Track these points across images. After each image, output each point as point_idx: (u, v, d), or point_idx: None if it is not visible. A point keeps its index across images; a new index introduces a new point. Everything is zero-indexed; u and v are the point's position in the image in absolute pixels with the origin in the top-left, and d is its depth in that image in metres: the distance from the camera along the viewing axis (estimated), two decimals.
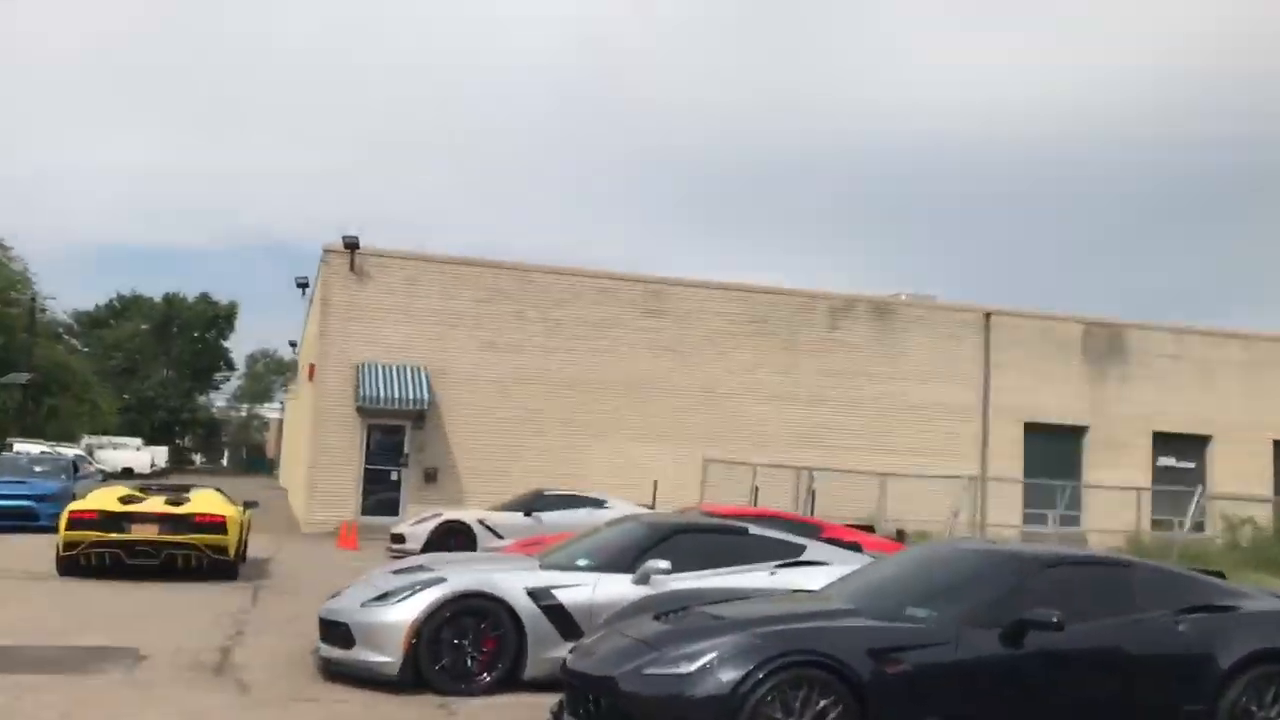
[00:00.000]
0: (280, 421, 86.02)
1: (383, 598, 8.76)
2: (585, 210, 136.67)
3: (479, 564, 9.77)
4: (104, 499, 14.97)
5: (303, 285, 32.70)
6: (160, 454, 75.15)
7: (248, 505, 16.60)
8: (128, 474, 61.40)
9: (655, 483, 24.38)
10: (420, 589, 8.63)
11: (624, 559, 9.27)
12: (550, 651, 8.55)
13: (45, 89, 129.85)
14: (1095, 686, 6.83)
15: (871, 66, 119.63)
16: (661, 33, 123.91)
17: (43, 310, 71.00)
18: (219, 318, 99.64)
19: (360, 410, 25.33)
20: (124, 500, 14.85)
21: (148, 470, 57.53)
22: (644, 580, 8.93)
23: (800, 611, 7.16)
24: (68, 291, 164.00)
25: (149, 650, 9.64)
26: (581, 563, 9.38)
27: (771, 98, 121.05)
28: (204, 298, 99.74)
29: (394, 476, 25.81)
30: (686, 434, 27.36)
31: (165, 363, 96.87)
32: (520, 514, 20.02)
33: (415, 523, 20.08)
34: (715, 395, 27.84)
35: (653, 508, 21.47)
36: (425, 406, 25.03)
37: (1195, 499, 21.33)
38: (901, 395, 29.00)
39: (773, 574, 9.50)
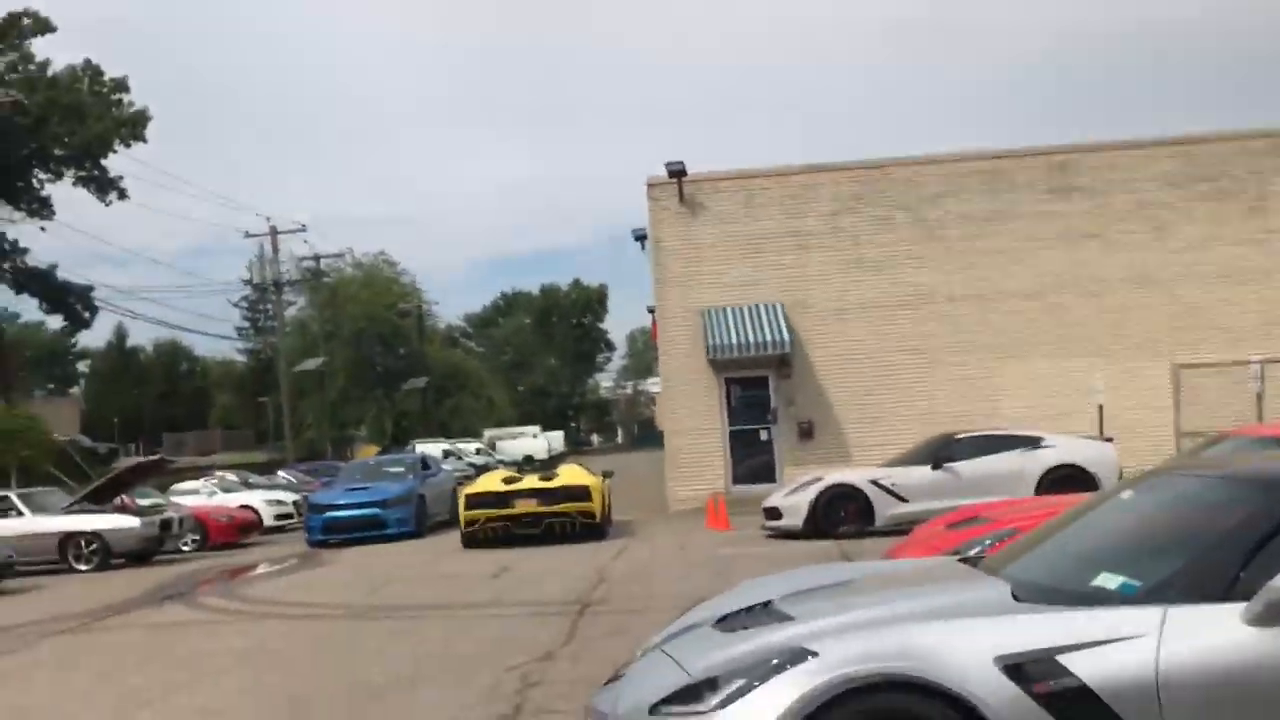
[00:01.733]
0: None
1: (694, 692, 4.16)
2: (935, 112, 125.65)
3: (875, 599, 4.73)
4: (490, 482, 18.03)
5: (641, 238, 29.32)
6: (556, 439, 76.58)
7: (606, 475, 18.68)
8: (528, 461, 62.41)
9: (1100, 406, 18.53)
10: (764, 675, 4.01)
11: (1219, 568, 4.03)
12: None
13: (410, 124, 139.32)
14: None
15: None
16: None
17: (430, 317, 74.43)
18: (592, 301, 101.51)
19: (713, 363, 21.41)
20: (506, 480, 17.71)
21: (545, 455, 57.59)
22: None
23: None
24: (460, 301, 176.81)
25: None
26: (1108, 582, 4.26)
27: None
28: (576, 284, 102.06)
29: (763, 436, 21.70)
30: (1122, 340, 21.11)
31: (550, 351, 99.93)
32: (926, 467, 15.14)
33: (791, 492, 15.76)
34: (1156, 285, 21.29)
35: (1109, 440, 15.81)
36: (787, 349, 20.66)
37: None
38: None
39: None
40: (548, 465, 18.74)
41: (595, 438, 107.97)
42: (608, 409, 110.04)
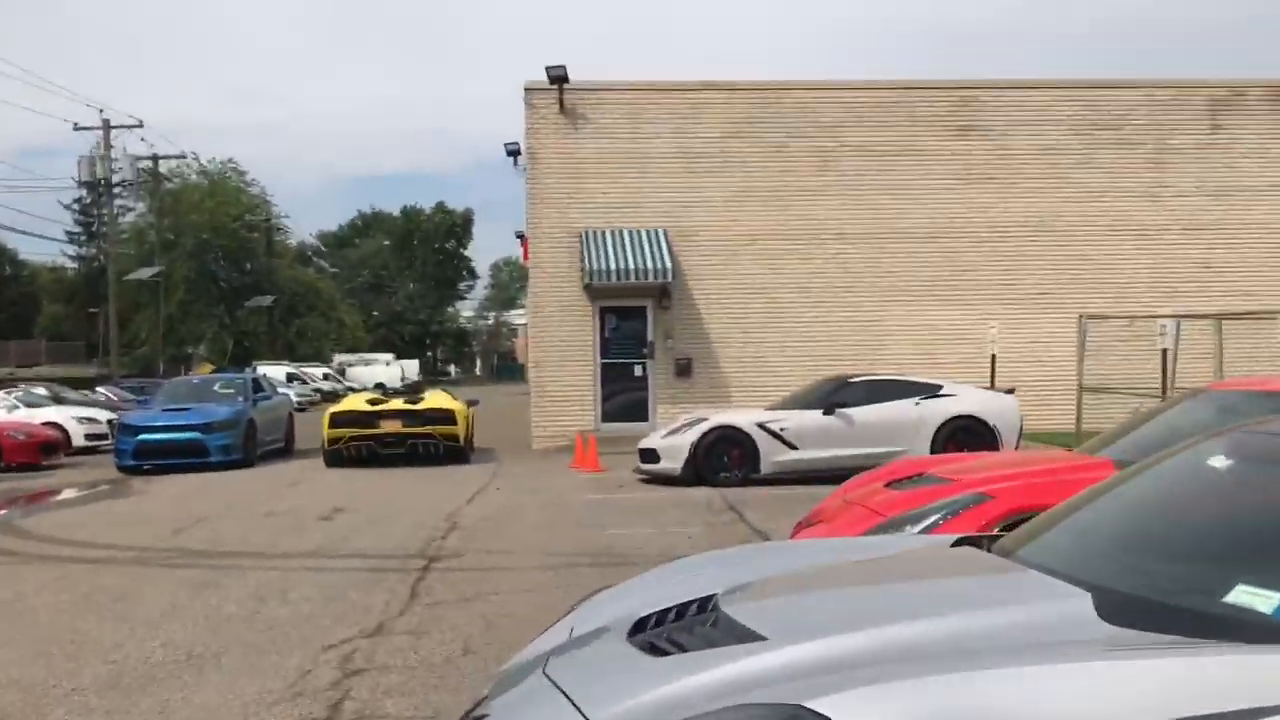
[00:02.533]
0: (525, 326, 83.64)
1: None
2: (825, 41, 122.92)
3: (883, 608, 2.92)
4: (355, 402, 18.61)
5: (514, 153, 27.17)
6: (411, 367, 73.69)
7: (470, 403, 19.10)
8: (379, 389, 59.59)
9: (993, 356, 17.57)
10: None
11: None
12: None
13: (278, 42, 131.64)
14: None
15: None
16: None
17: (280, 229, 70.24)
18: (456, 226, 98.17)
19: (588, 289, 19.68)
20: (371, 402, 18.23)
21: (399, 384, 54.98)
22: None
23: None
24: (315, 221, 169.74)
25: None
26: (1254, 601, 2.54)
27: None
28: (440, 207, 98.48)
29: (638, 372, 20.13)
30: (1014, 289, 20.30)
31: (410, 276, 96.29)
32: (817, 411, 13.77)
33: (670, 433, 14.20)
34: (1051, 234, 20.48)
35: (1010, 391, 14.75)
36: (669, 278, 19.04)
37: None
38: None
39: None
40: (413, 390, 19.05)
41: (453, 368, 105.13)
42: (468, 339, 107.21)
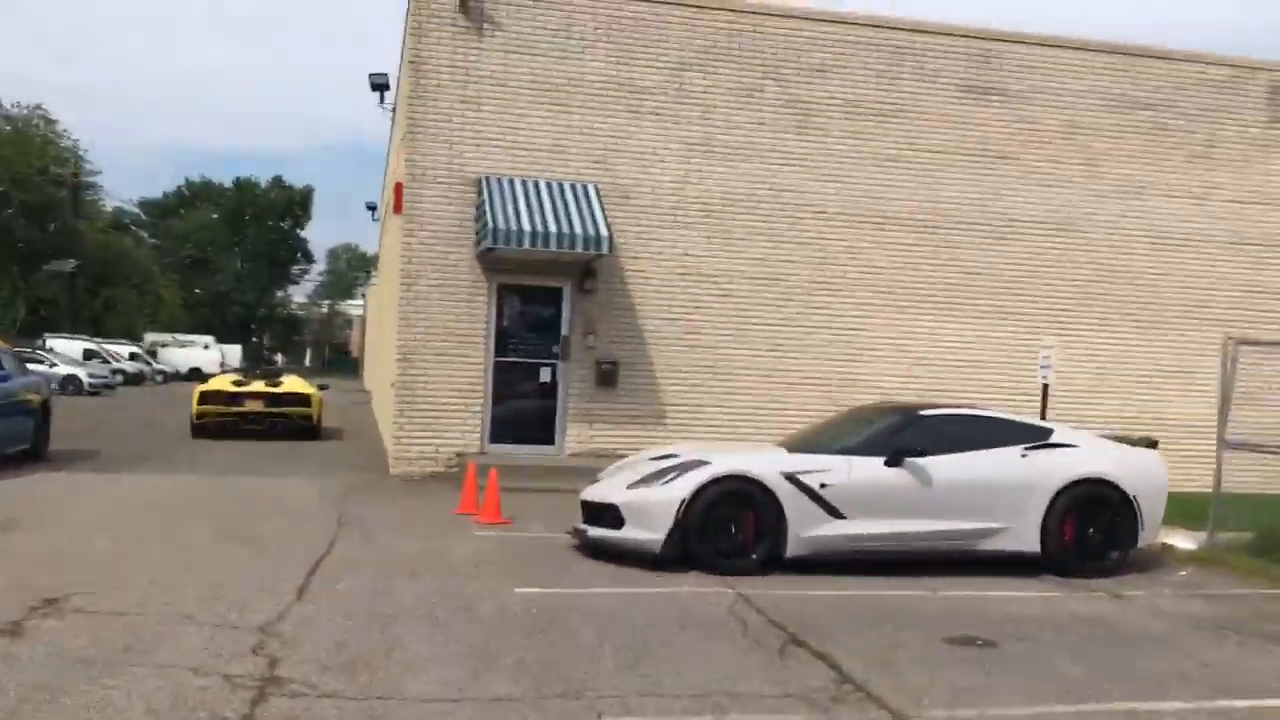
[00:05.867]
0: (363, 319, 76.56)
1: None
2: None
3: None
4: (222, 382, 20.51)
5: (380, 87, 21.43)
6: (233, 353, 65.80)
7: (321, 387, 21.45)
8: (195, 375, 51.80)
9: (1045, 387, 12.91)
10: None
11: None
12: None
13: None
14: None
15: None
16: None
17: (92, 191, 61.58)
18: (294, 203, 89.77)
19: (485, 259, 14.24)
20: (236, 383, 20.23)
21: (217, 371, 47.58)
22: None
23: None
24: (140, 188, 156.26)
25: None
26: None
27: None
28: (277, 182, 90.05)
29: (545, 377, 14.76)
30: (1032, 297, 15.89)
31: (239, 254, 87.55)
32: (876, 460, 8.69)
33: (640, 482, 8.81)
34: (1076, 232, 16.17)
35: (1153, 445, 9.99)
36: (605, 249, 13.72)
37: None
38: None
39: None
40: (273, 374, 21.49)
41: (280, 357, 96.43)
42: (298, 326, 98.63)
